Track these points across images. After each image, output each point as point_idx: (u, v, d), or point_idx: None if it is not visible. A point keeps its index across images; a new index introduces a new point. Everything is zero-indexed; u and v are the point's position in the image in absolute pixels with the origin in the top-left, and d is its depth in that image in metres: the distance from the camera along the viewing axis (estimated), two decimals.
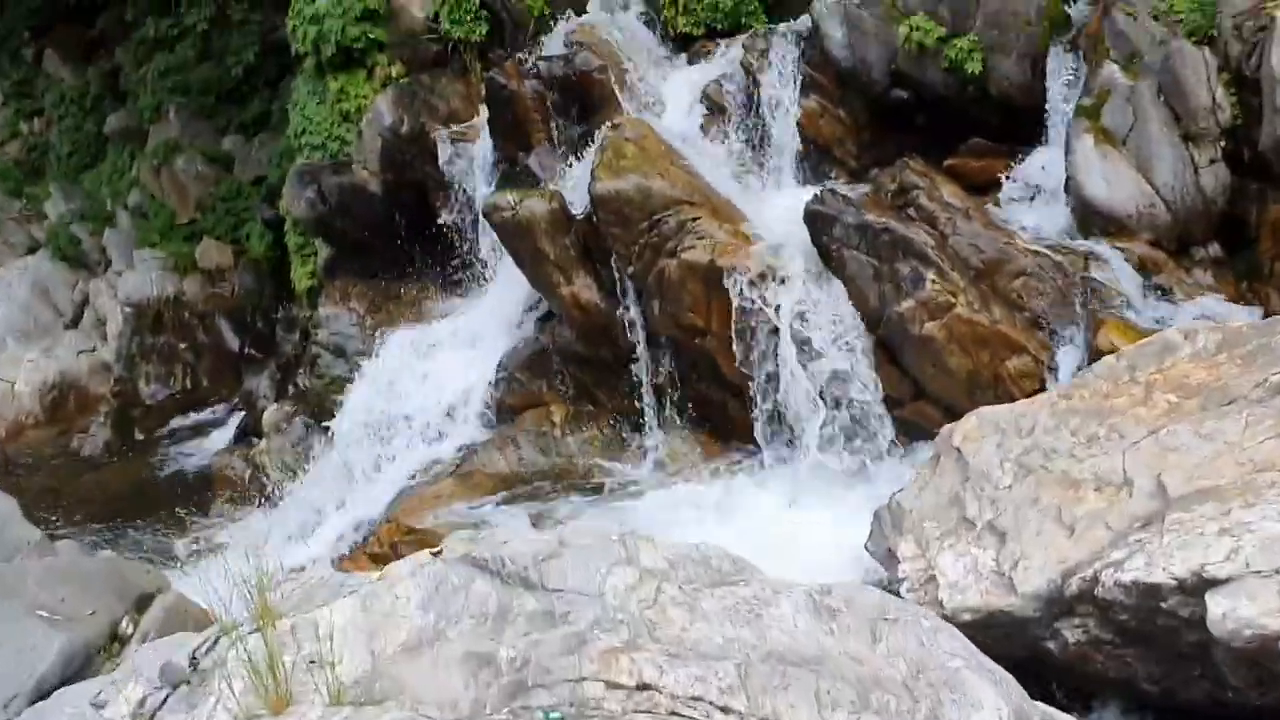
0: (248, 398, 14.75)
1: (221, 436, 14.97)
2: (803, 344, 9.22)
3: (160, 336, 17.06)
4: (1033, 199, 10.36)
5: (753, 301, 9.36)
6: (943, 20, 10.69)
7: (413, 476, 10.80)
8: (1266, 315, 8.89)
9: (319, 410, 12.41)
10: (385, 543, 9.24)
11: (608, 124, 10.67)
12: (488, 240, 12.22)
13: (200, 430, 15.58)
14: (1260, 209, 9.21)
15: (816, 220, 9.39)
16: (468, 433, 11.13)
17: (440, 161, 12.35)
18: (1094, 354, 8.56)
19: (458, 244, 12.59)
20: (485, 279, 12.34)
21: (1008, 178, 10.17)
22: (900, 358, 9.26)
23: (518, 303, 11.63)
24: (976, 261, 9.35)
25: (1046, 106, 10.70)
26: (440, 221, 12.57)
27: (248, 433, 14.74)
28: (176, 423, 15.95)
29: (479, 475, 10.39)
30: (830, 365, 9.14)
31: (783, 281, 9.30)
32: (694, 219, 9.79)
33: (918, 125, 11.33)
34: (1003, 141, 10.87)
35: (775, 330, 9.36)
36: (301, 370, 13.26)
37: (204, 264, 17.65)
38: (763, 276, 9.40)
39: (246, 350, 16.76)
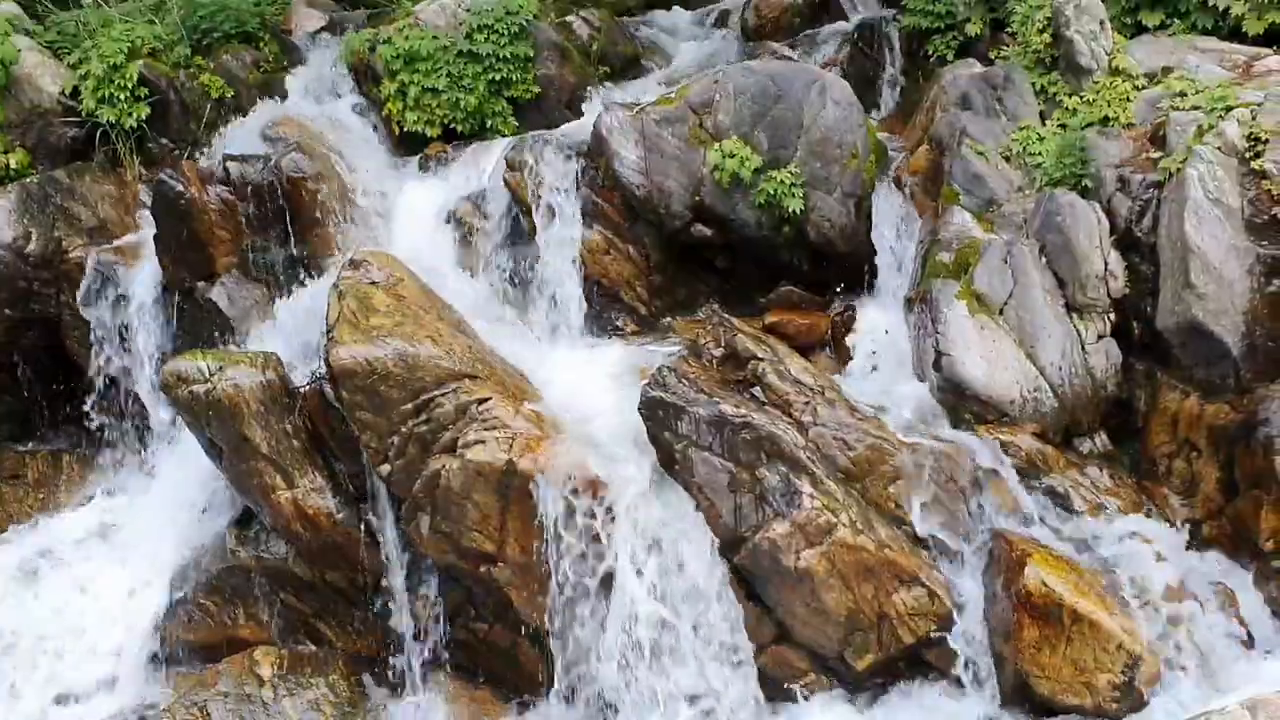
0: None
1: None
2: (641, 583, 6.75)
3: None
4: (874, 369, 8.54)
5: (572, 521, 6.80)
6: (759, 148, 8.75)
7: None
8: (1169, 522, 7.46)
9: None
10: None
11: (345, 259, 7.82)
12: (154, 401, 8.95)
13: None
14: (1151, 396, 7.79)
15: (657, 411, 7.01)
16: (130, 689, 7.78)
17: (82, 293, 8.97)
18: (1021, 596, 6.68)
19: (108, 404, 9.19)
20: (152, 453, 9.01)
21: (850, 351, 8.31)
22: (762, 593, 7.01)
23: (202, 491, 8.41)
24: (844, 460, 7.31)
25: (875, 254, 9.00)
26: (84, 374, 9.15)
27: None
28: None
29: None
30: (677, 612, 6.73)
31: (610, 492, 6.81)
32: (481, 400, 7.14)
33: (716, 268, 9.31)
34: (817, 290, 9.06)
35: (600, 558, 6.83)
36: None
37: None
38: (583, 486, 6.87)
39: None
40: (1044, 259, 7.85)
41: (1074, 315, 7.80)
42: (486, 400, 7.15)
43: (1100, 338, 7.79)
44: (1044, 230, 7.85)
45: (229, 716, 7.30)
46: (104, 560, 8.38)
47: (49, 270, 9.13)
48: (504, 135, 10.10)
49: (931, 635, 6.96)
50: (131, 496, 8.75)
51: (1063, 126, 8.50)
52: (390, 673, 7.58)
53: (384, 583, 7.48)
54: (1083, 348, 7.75)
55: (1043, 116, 8.77)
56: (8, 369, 9.35)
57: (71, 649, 8.07)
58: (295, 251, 9.20)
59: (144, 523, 8.45)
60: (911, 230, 9.02)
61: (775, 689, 7.04)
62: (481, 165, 9.64)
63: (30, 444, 9.47)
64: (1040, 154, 8.43)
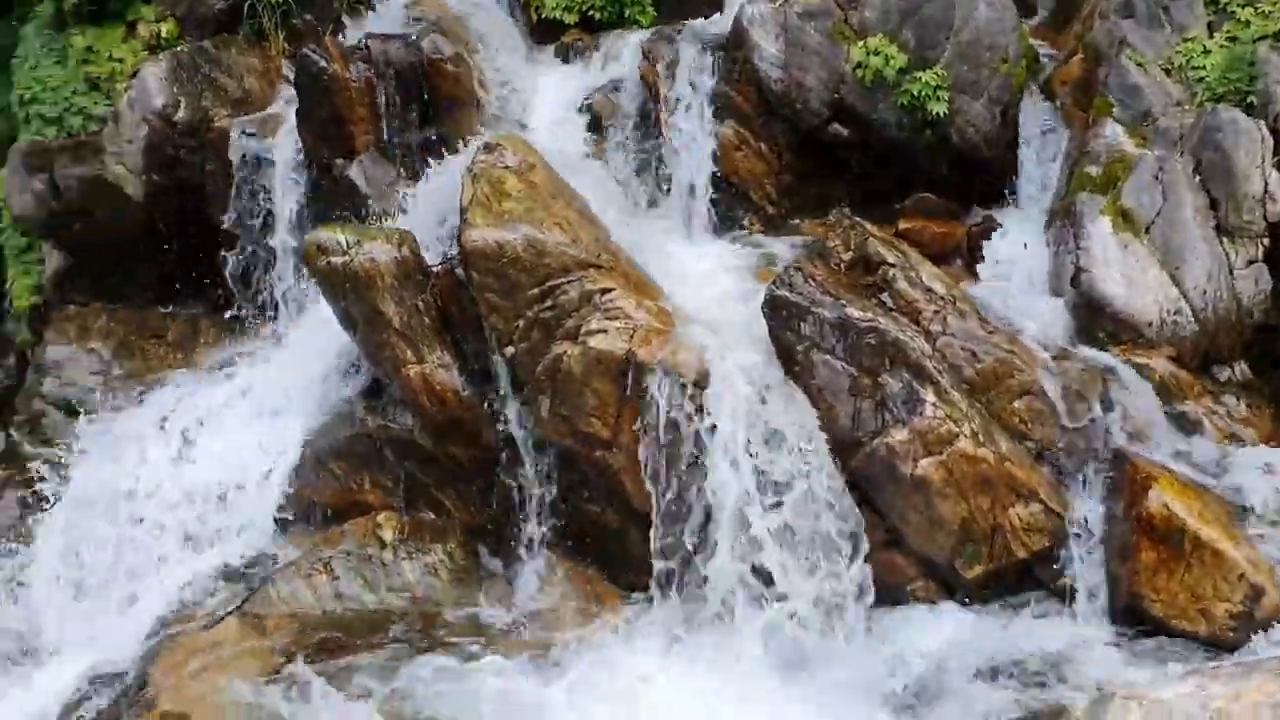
0: None
1: None
2: (754, 478, 6.79)
3: None
4: (1009, 281, 8.34)
5: (686, 415, 6.86)
6: (905, 46, 8.51)
7: (176, 610, 7.73)
8: None
9: (40, 484, 9.02)
10: None
11: (479, 143, 7.88)
12: (293, 272, 9.23)
13: None
14: None
15: (781, 311, 6.99)
16: (258, 542, 8.15)
17: (230, 163, 9.22)
18: (1142, 520, 6.56)
19: (247, 271, 9.50)
20: (287, 321, 9.32)
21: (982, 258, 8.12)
22: (876, 498, 7.01)
23: (333, 359, 8.67)
24: (970, 372, 7.20)
25: (1019, 164, 8.73)
26: (223, 241, 9.45)
27: None
28: None
29: (275, 616, 7.47)
30: (790, 511, 6.76)
31: (728, 389, 6.84)
32: (604, 291, 7.19)
33: (850, 170, 9.13)
34: (955, 198, 8.83)
35: (714, 452, 6.88)
36: (16, 423, 9.81)
37: None
38: (700, 382, 6.90)
39: None
40: (1198, 178, 7.54)
41: (1224, 238, 7.50)
42: (610, 290, 7.19)
43: (1251, 263, 7.49)
44: (1201, 147, 7.51)
45: (350, 573, 7.62)
46: (238, 420, 8.70)
47: (194, 138, 9.40)
48: (642, 25, 9.99)
49: (1045, 551, 6.87)
50: (265, 362, 9.03)
51: (1232, 39, 8.09)
52: (504, 546, 7.79)
53: (502, 460, 7.65)
54: (1231, 272, 7.46)
55: (1211, 28, 8.34)
56: (152, 234, 9.70)
57: (205, 501, 8.44)
58: (431, 133, 9.28)
59: (277, 388, 8.73)
60: (1059, 141, 8.73)
61: (884, 592, 7.05)
62: (618, 55, 9.57)
63: (171, 306, 9.85)
64: (1204, 68, 8.05)
